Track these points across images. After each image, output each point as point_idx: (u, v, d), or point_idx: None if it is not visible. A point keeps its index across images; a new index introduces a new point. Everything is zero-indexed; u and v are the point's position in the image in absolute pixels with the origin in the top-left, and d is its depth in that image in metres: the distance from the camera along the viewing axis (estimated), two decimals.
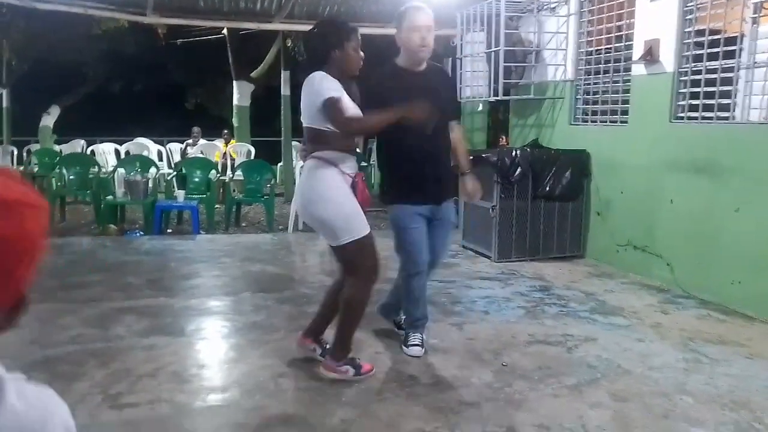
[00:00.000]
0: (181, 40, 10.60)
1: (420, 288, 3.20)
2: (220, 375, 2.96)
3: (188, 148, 10.89)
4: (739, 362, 3.19)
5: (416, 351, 3.18)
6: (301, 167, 2.88)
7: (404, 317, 3.40)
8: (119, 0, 6.46)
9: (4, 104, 12.33)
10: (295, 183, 7.49)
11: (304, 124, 2.76)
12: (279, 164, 10.41)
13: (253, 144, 10.90)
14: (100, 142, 12.07)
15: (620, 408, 2.64)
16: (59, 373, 2.87)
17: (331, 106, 2.60)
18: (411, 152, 3.02)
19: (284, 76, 9.39)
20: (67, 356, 3.09)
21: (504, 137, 7.66)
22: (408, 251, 3.12)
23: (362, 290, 2.78)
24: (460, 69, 6.55)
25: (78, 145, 12.53)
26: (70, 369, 2.93)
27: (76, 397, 2.60)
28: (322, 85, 2.62)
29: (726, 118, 4.26)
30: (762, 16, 3.98)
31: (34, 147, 12.25)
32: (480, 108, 7.42)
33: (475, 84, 6.39)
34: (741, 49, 4.13)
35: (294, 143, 10.57)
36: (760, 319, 3.86)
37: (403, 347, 3.24)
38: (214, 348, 3.35)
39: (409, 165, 3.06)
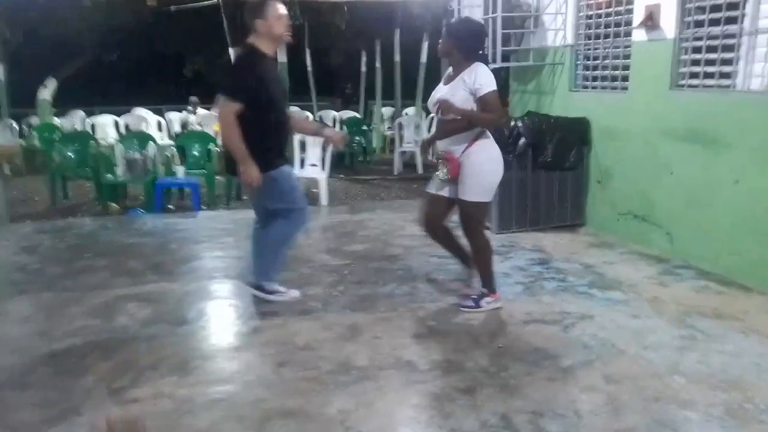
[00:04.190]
0: (174, 6, 10.35)
1: None
2: (221, 366, 3.02)
3: (190, 117, 10.87)
4: (734, 338, 3.22)
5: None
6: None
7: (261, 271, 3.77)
8: None
9: (2, 77, 12.22)
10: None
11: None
12: None
13: None
14: (99, 113, 12.03)
15: (613, 391, 2.68)
16: (65, 368, 2.95)
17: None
18: (280, 127, 3.56)
19: None
20: (72, 349, 3.16)
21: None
22: (301, 200, 3.64)
23: None
24: None
25: (77, 116, 12.49)
26: (75, 363, 3.00)
27: (82, 394, 2.68)
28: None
29: (728, 86, 4.18)
30: None
31: (34, 120, 12.23)
32: None
33: None
34: (744, 15, 4.02)
35: (294, 108, 10.41)
36: (757, 290, 3.88)
37: (271, 296, 3.73)
38: (215, 337, 3.41)
39: (282, 136, 3.62)
